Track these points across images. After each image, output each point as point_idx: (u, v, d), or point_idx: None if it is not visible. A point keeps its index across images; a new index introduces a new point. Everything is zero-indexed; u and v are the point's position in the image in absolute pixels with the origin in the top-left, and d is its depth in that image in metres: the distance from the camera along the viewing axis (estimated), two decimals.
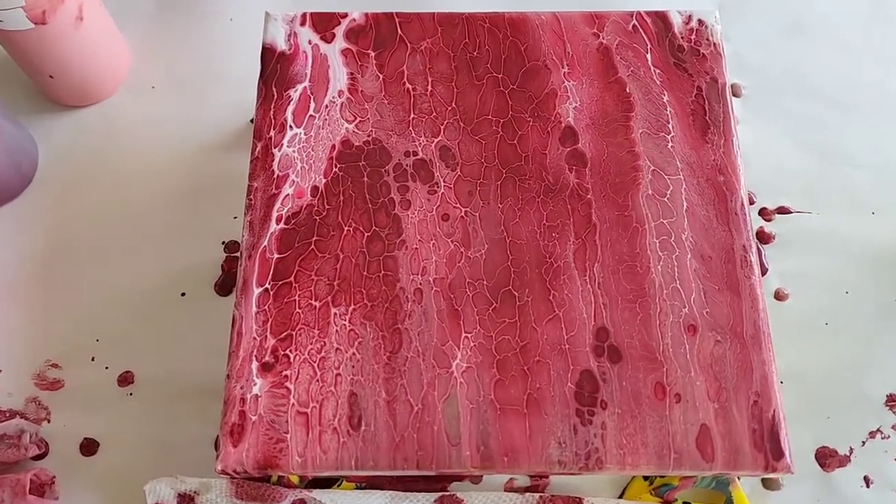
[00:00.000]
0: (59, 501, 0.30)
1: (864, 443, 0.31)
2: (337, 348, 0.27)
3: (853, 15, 0.39)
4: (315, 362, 0.26)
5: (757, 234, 0.35)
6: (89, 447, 0.31)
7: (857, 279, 0.33)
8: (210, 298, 0.34)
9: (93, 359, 0.32)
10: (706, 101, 0.30)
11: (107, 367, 0.32)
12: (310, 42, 0.31)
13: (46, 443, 0.31)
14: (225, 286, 0.34)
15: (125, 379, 0.32)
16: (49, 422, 0.31)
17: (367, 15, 0.31)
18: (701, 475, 0.28)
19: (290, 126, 0.30)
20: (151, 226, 0.35)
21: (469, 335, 0.27)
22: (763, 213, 0.35)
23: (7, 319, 0.33)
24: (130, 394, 0.32)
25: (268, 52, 0.31)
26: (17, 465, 0.31)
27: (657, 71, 0.30)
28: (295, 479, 0.29)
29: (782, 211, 0.35)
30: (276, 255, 0.28)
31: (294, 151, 0.29)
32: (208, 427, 0.31)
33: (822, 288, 0.33)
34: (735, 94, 0.37)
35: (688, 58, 0.30)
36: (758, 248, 0.34)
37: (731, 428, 0.25)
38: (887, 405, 0.31)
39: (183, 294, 0.34)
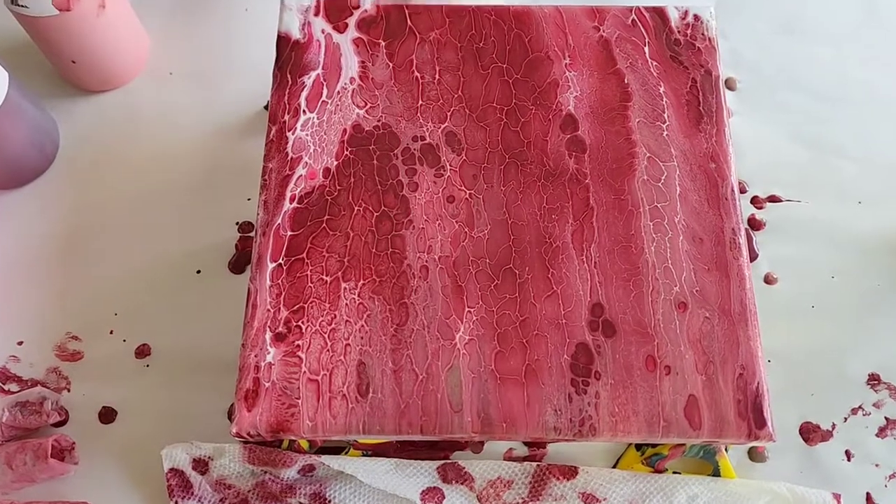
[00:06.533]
0: (78, 466, 0.31)
1: (846, 419, 0.32)
2: (347, 320, 0.28)
3: (845, 15, 0.41)
4: (326, 333, 0.28)
5: (748, 221, 0.36)
6: (107, 415, 0.33)
7: (842, 265, 0.35)
8: (224, 276, 0.35)
9: (111, 332, 0.34)
10: (700, 93, 0.31)
11: (125, 340, 0.34)
12: (323, 31, 0.32)
13: (66, 410, 0.32)
14: (238, 264, 0.35)
15: (142, 351, 0.34)
16: (69, 391, 0.33)
17: (378, 6, 0.33)
18: (689, 443, 0.30)
19: (304, 111, 0.31)
20: (168, 206, 0.36)
21: (472, 310, 0.28)
22: (755, 201, 0.36)
23: (30, 293, 0.34)
24: (147, 365, 0.33)
25: (283, 41, 0.32)
26: (38, 431, 0.32)
27: (654, 63, 0.32)
28: (305, 445, 0.31)
29: (773, 199, 0.36)
30: (289, 233, 0.29)
31: (307, 135, 0.31)
32: (221, 398, 0.32)
33: (810, 273, 0.35)
34: (730, 88, 0.39)
35: (683, 51, 0.32)
36: (747, 234, 0.35)
37: (717, 399, 0.27)
38: (868, 384, 0.33)
39: (198, 271, 0.35)
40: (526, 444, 0.31)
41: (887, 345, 0.33)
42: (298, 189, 0.30)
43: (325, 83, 0.31)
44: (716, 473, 0.30)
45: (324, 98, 0.31)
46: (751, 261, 0.35)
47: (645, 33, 0.32)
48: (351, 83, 0.32)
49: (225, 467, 0.30)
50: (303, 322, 0.28)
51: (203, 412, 0.32)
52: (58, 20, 0.33)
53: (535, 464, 0.30)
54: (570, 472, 0.30)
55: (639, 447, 0.31)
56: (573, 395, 0.27)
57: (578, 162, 0.30)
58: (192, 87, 0.39)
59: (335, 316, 0.28)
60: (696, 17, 0.33)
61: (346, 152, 0.30)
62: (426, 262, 0.29)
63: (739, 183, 0.37)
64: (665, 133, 0.31)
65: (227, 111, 0.38)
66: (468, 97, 0.31)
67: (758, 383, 0.27)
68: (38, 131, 0.36)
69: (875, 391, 0.33)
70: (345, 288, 0.28)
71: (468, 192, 0.30)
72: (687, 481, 0.30)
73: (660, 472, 0.30)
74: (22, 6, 0.32)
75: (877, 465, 0.32)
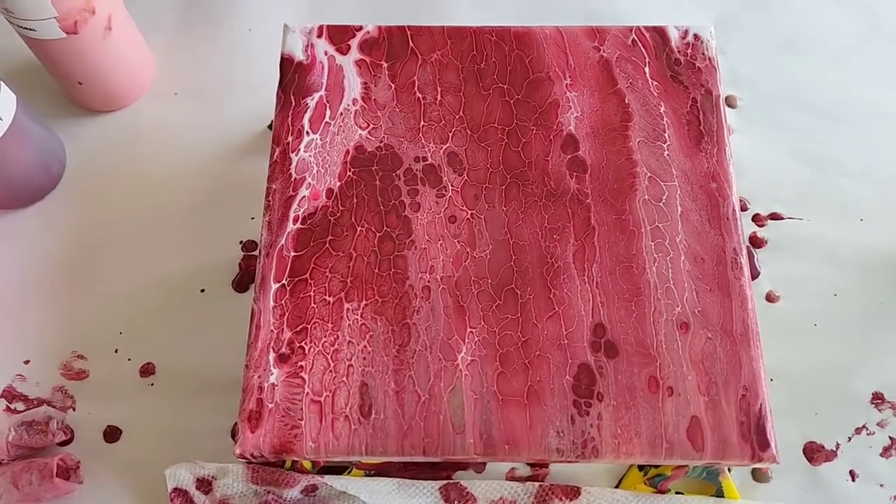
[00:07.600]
0: (83, 485, 0.31)
1: (850, 438, 0.32)
2: (349, 341, 0.28)
3: (844, 31, 0.41)
4: (328, 354, 0.28)
5: (750, 238, 0.36)
6: (112, 434, 0.33)
7: (845, 283, 0.35)
8: (228, 295, 0.35)
9: (116, 350, 0.34)
10: (701, 112, 0.31)
11: (129, 359, 0.34)
12: (326, 53, 0.33)
13: (72, 429, 0.33)
14: (242, 283, 0.35)
15: (147, 370, 0.34)
16: (74, 410, 0.33)
17: (380, 28, 0.33)
18: (692, 465, 0.30)
19: (307, 132, 0.31)
20: (172, 225, 0.37)
21: (474, 330, 0.28)
22: (756, 218, 0.36)
23: (35, 312, 0.35)
24: (151, 384, 0.34)
25: (286, 63, 0.32)
26: (44, 451, 0.32)
27: (655, 83, 0.32)
28: (308, 465, 0.31)
29: (774, 217, 0.36)
30: (292, 253, 0.29)
31: (310, 156, 0.31)
32: (225, 417, 0.32)
33: (812, 291, 0.35)
34: (731, 106, 0.39)
35: (684, 71, 0.32)
36: (749, 252, 0.35)
37: (720, 420, 0.27)
38: (873, 403, 0.33)
39: (202, 290, 0.35)
40: (528, 463, 0.31)
41: (891, 363, 0.33)
42: (302, 210, 0.30)
43: (328, 104, 0.32)
44: (719, 494, 0.30)
45: (327, 119, 0.32)
46: (752, 279, 0.35)
47: (645, 53, 0.32)
48: (353, 104, 0.32)
49: (228, 487, 0.30)
50: (306, 343, 0.28)
51: (207, 431, 0.32)
52: (65, 43, 0.34)
53: (537, 484, 0.30)
54: (572, 492, 0.30)
55: (641, 467, 0.31)
56: (575, 416, 0.27)
57: (579, 182, 0.30)
58: (197, 107, 0.39)
59: (338, 336, 0.28)
60: (696, 36, 0.33)
61: (348, 173, 0.31)
62: (428, 282, 0.29)
63: (740, 200, 0.37)
64: (666, 153, 0.31)
65: (230, 131, 0.39)
66: (469, 118, 0.32)
67: (761, 404, 0.27)
68: (45, 152, 0.36)
69: (879, 410, 0.33)
70: (347, 308, 0.29)
71: (470, 212, 0.30)
72: (690, 502, 0.30)
73: (662, 492, 0.30)
74: (29, 28, 0.33)
75: (881, 486, 0.31)
